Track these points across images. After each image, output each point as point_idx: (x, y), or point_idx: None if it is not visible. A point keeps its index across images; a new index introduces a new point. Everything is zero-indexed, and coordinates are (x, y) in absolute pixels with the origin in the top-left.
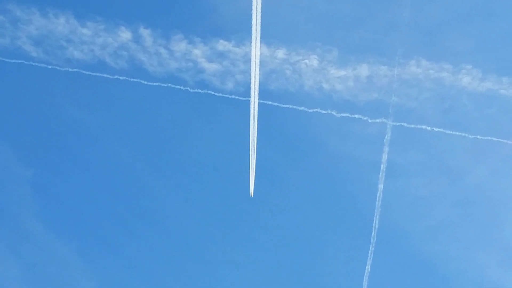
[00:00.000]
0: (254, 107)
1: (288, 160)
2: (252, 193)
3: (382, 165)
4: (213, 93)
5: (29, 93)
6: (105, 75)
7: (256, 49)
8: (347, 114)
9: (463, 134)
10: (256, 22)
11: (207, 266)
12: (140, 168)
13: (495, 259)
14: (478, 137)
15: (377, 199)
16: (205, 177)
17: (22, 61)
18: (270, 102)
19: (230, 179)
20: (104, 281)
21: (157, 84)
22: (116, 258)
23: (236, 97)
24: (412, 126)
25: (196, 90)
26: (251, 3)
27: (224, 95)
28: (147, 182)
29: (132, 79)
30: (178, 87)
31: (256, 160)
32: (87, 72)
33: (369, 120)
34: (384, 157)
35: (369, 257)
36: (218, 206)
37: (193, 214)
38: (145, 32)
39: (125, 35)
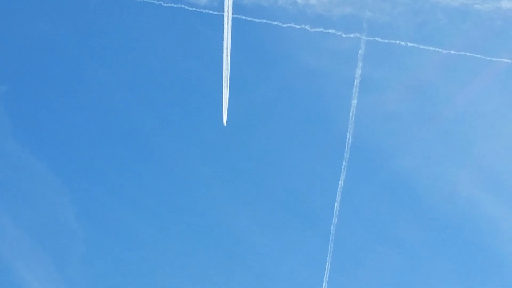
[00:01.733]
0: (227, 22)
1: (261, 75)
2: (225, 121)
3: (355, 80)
4: (186, 7)
5: None
6: None
7: None
8: (321, 29)
9: (436, 49)
10: None
11: (181, 184)
12: (111, 83)
13: (467, 175)
14: (452, 52)
15: (351, 114)
16: (178, 94)
17: None
18: (244, 17)
19: (203, 97)
20: (77, 196)
21: None
22: (89, 175)
23: (210, 12)
24: (386, 41)
25: (169, 5)
26: None
27: (197, 10)
28: (118, 98)
29: None
30: (152, 1)
31: (229, 76)
32: None
33: (343, 35)
34: (358, 72)
35: (342, 172)
36: (191, 125)
37: (167, 132)
38: None
39: None
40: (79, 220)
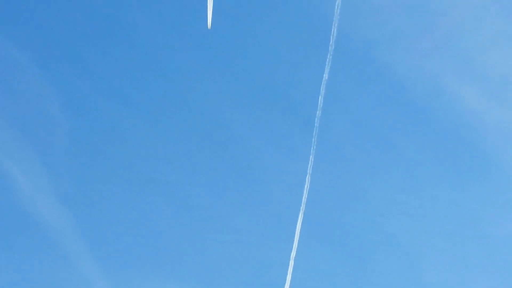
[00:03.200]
0: None
1: None
2: (210, 25)
3: None
4: None
5: None
6: None
7: None
8: None
9: None
10: None
11: (166, 78)
12: None
13: (451, 68)
14: None
15: (336, 7)
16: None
17: None
18: None
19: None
20: (60, 88)
21: None
22: (73, 66)
23: None
24: None
25: None
26: None
27: None
28: None
29: None
30: None
31: None
32: None
33: None
34: None
35: (326, 66)
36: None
37: (151, 29)
38: None
39: None
40: (63, 112)
